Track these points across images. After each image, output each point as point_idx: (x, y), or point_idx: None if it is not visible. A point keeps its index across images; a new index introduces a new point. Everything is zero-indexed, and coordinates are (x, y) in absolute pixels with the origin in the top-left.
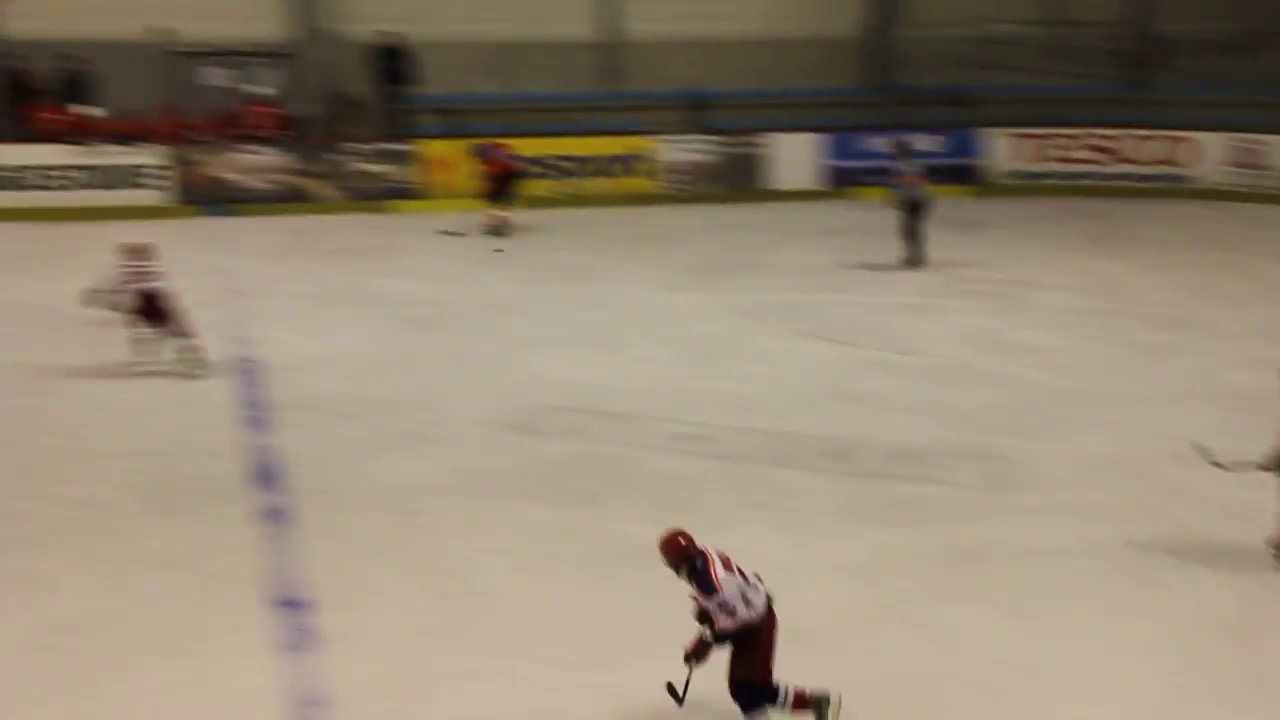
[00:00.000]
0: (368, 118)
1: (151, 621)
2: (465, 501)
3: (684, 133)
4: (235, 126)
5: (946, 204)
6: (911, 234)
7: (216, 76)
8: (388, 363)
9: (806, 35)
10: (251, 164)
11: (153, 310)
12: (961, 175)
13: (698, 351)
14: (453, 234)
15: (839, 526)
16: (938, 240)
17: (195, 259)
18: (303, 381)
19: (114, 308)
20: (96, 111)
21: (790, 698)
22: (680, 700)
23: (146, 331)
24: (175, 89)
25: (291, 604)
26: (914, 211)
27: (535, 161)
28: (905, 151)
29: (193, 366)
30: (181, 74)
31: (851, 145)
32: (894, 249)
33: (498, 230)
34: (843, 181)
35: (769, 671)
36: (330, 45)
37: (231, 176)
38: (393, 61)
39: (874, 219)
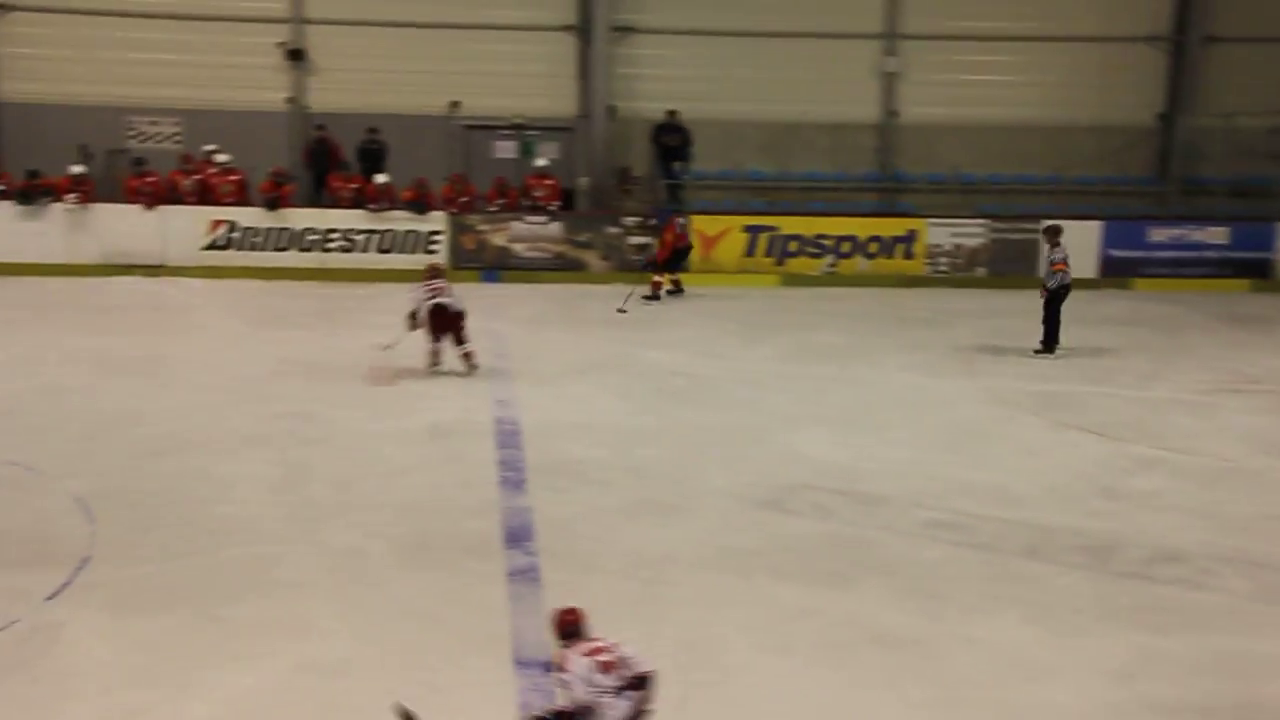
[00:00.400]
0: (643, 192)
1: (399, 672)
2: (709, 575)
3: (955, 216)
4: (516, 196)
5: (1229, 299)
6: (1055, 319)
7: (504, 149)
8: (643, 432)
9: (1087, 122)
10: (527, 233)
11: (444, 322)
12: (1249, 269)
13: (955, 438)
14: (623, 310)
15: (1094, 626)
16: (1218, 336)
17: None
18: (559, 446)
19: (418, 321)
20: (388, 179)
21: None
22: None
23: (438, 342)
24: (462, 159)
25: (533, 665)
26: (1061, 297)
27: (800, 239)
28: (1058, 239)
29: (470, 369)
30: (469, 145)
31: (1130, 234)
32: (1160, 341)
33: (656, 296)
34: (1120, 271)
35: None
36: (611, 121)
37: (507, 244)
38: (670, 138)
39: (1148, 310)
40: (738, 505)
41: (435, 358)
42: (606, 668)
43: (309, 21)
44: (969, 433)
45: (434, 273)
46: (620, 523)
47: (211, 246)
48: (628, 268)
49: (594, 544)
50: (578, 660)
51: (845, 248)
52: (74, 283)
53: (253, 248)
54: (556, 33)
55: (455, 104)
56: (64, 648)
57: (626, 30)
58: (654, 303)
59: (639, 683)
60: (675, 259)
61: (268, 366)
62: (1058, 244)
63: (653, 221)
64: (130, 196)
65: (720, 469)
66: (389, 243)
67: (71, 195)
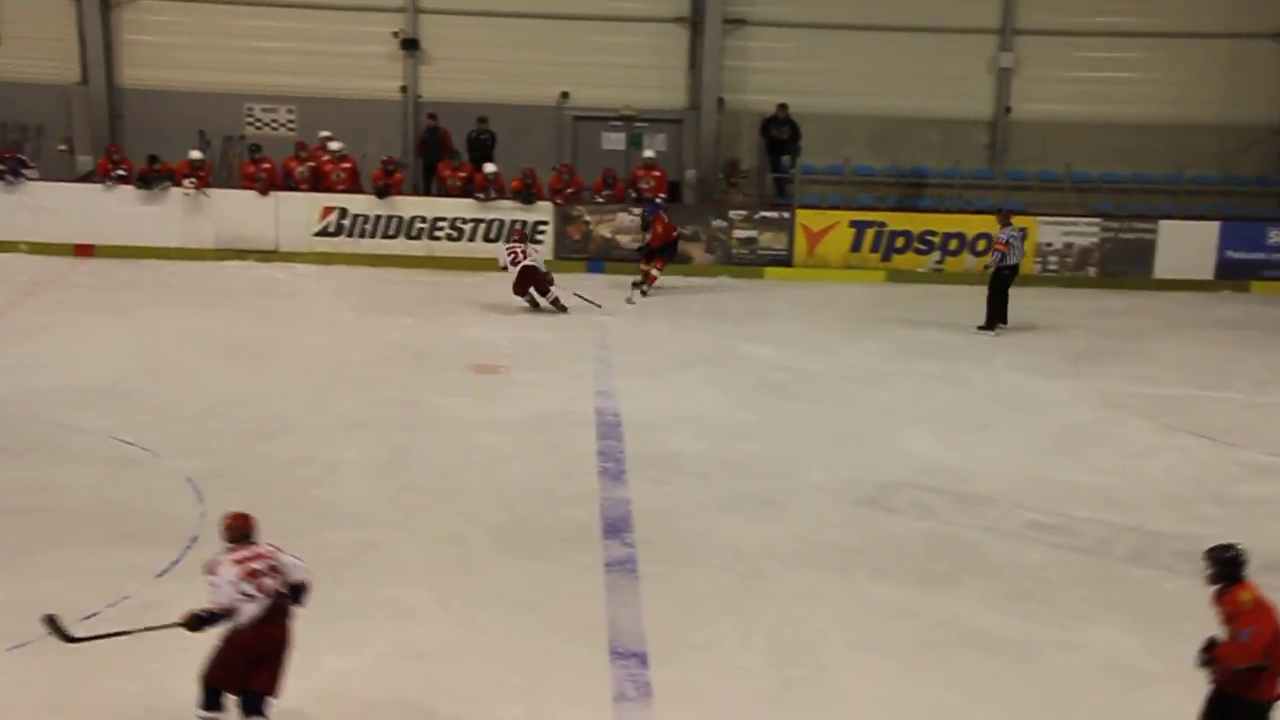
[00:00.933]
0: (750, 185)
1: (496, 658)
2: (807, 571)
3: (1066, 214)
4: (623, 188)
5: None
6: (999, 298)
7: (612, 140)
8: (744, 426)
9: (1208, 121)
10: (633, 224)
11: (532, 279)
12: None
13: (1062, 439)
14: (631, 302)
15: (1201, 635)
16: None
17: (569, 314)
18: (660, 438)
19: (509, 272)
20: (496, 169)
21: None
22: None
23: (527, 292)
24: (570, 150)
25: (628, 655)
26: (1004, 277)
27: (907, 235)
28: (1008, 220)
29: (561, 309)
30: (577, 136)
31: (1249, 235)
32: (1278, 346)
33: (642, 285)
34: (1237, 273)
35: (223, 678)
36: (720, 114)
37: (612, 235)
38: (780, 131)
39: (1266, 313)
40: (837, 502)
41: (533, 302)
42: (252, 575)
43: (423, 11)
44: (1075, 434)
45: (521, 237)
46: (719, 516)
47: (323, 233)
48: (733, 261)
49: (692, 537)
50: (227, 567)
51: (953, 245)
52: (189, 266)
53: (363, 235)
54: (668, 24)
55: (564, 95)
56: None
57: (738, 23)
58: (645, 295)
59: (294, 591)
60: (664, 250)
61: (374, 352)
62: (1007, 224)
63: (636, 214)
64: (245, 182)
65: (820, 465)
66: (496, 232)
67: (189, 180)
